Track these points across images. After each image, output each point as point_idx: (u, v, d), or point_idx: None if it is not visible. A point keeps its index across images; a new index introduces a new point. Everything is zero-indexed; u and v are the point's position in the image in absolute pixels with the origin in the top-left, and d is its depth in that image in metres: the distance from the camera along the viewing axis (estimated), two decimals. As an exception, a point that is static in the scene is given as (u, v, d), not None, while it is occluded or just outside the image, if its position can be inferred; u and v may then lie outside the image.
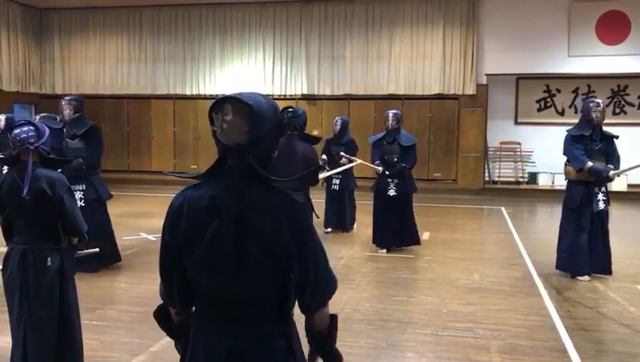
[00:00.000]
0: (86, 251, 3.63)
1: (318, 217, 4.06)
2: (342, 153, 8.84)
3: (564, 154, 6.57)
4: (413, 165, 7.72)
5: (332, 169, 8.26)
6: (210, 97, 15.29)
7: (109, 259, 6.53)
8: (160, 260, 2.01)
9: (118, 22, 16.04)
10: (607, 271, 6.46)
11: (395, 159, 7.53)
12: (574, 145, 6.38)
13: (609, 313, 5.37)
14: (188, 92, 15.81)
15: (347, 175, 8.94)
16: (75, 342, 3.48)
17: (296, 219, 1.87)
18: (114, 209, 7.88)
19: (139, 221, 9.78)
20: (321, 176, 6.69)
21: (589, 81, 14.58)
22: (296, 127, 5.05)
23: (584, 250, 6.35)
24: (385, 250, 7.68)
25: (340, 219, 9.08)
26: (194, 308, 2.01)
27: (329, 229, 9.01)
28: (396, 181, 7.50)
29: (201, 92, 15.62)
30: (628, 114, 14.33)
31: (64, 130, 6.36)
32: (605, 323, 5.10)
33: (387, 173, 7.49)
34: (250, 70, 15.39)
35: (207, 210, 1.86)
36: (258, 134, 1.86)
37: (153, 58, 15.96)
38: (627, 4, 13.55)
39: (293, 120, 5.01)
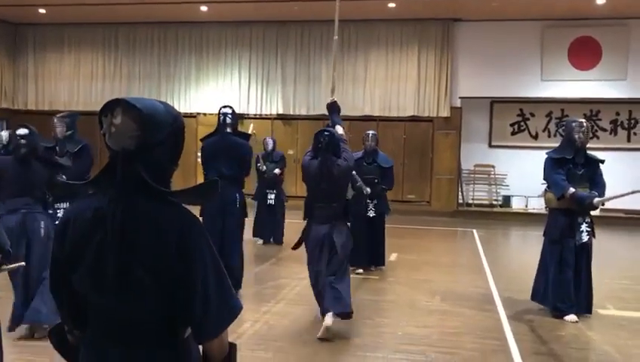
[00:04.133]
0: (11, 266, 3.47)
1: None
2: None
3: (545, 179, 5.99)
4: (392, 186, 7.75)
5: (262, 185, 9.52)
6: (185, 115, 15.17)
7: None
8: (49, 276, 1.89)
9: (94, 39, 15.94)
10: (588, 310, 5.85)
11: (376, 181, 7.46)
12: (555, 169, 5.78)
13: (566, 337, 5.27)
14: (163, 110, 15.66)
15: (280, 189, 9.70)
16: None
17: (185, 235, 1.73)
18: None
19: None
20: None
21: (563, 106, 14.70)
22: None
23: (569, 287, 5.71)
24: (362, 269, 7.50)
25: (276, 232, 9.57)
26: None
27: (260, 241, 9.53)
28: (375, 202, 7.50)
29: (176, 110, 15.48)
30: (600, 139, 14.44)
31: (56, 148, 5.97)
32: (561, 347, 4.99)
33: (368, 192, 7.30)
34: (225, 89, 15.33)
35: (91, 222, 1.74)
36: (149, 140, 1.74)
37: (128, 76, 15.84)
38: (598, 31, 13.74)
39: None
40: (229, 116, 6.26)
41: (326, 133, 5.04)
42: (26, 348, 4.52)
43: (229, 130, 6.25)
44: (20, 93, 16.53)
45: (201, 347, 1.85)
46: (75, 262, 1.77)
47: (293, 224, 9.44)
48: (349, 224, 5.27)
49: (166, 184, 1.82)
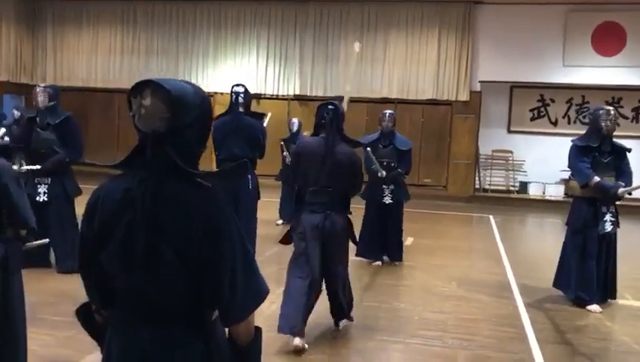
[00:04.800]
0: (35, 243, 3.47)
1: None
2: None
3: (569, 167, 5.91)
4: (409, 171, 7.27)
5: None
6: (202, 94, 15.19)
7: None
8: (78, 255, 1.89)
9: (112, 14, 15.93)
10: (612, 296, 5.82)
11: (393, 164, 6.98)
12: (580, 157, 5.64)
13: (584, 326, 5.23)
14: (180, 87, 15.69)
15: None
16: (17, 338, 3.32)
17: (212, 217, 1.71)
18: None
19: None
20: None
21: (584, 92, 14.48)
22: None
23: (592, 277, 5.61)
24: (380, 262, 7.07)
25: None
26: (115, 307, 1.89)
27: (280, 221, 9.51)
28: (392, 187, 7.04)
29: (194, 88, 15.50)
30: (621, 126, 14.11)
31: (37, 119, 5.99)
32: (579, 337, 4.95)
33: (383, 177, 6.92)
34: (243, 68, 15.27)
35: (120, 203, 1.74)
36: (179, 122, 1.73)
37: (146, 52, 15.84)
38: (623, 16, 13.46)
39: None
40: (242, 95, 6.00)
41: (330, 106, 4.38)
42: (44, 322, 4.56)
43: (241, 109, 6.02)
44: (38, 67, 16.59)
45: (227, 329, 1.85)
46: (105, 241, 1.77)
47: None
48: (349, 216, 4.53)
49: (195, 166, 1.82)
